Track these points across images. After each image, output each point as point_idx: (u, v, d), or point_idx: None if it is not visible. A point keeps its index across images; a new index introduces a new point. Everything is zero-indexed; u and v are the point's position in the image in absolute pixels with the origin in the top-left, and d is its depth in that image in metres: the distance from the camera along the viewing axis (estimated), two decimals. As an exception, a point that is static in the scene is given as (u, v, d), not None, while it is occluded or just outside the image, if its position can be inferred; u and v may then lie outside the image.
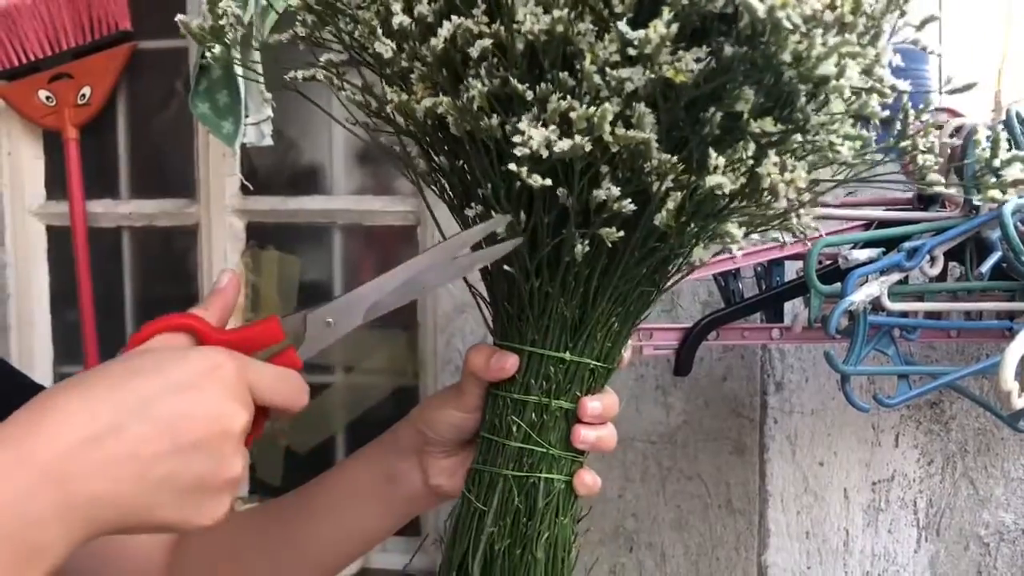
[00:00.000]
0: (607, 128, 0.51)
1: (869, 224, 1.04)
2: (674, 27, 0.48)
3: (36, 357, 1.73)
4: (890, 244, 0.98)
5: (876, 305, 0.94)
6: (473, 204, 0.59)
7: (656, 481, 1.38)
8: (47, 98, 1.64)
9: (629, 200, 0.54)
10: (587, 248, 0.57)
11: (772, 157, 0.54)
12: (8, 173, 1.70)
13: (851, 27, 0.51)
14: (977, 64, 1.34)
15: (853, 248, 0.96)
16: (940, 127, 0.96)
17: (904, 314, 0.97)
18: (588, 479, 0.63)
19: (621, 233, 0.55)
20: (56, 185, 1.72)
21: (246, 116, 1.33)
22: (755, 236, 0.63)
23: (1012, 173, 0.65)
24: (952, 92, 0.62)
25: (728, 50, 0.50)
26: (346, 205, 1.63)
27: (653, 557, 1.39)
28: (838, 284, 0.94)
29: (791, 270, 1.12)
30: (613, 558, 1.40)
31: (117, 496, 0.45)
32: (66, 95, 1.64)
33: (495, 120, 0.54)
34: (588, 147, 0.51)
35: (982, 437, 1.30)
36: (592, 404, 0.61)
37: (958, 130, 1.01)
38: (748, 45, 0.50)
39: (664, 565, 1.39)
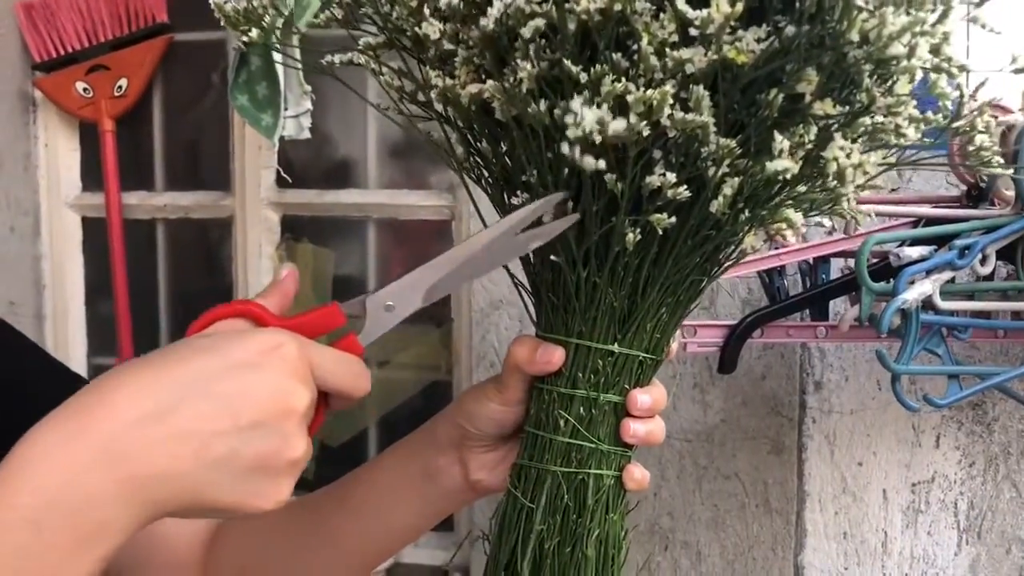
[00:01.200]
0: (666, 112, 0.49)
1: (916, 221, 1.02)
2: (739, 6, 0.47)
3: (71, 348, 1.74)
4: (939, 242, 0.97)
5: (926, 304, 0.93)
6: (518, 192, 0.57)
7: (692, 479, 1.37)
8: (84, 90, 1.65)
9: (684, 187, 0.52)
10: (638, 236, 0.55)
11: (839, 141, 0.53)
12: (45, 164, 1.71)
13: (920, 3, 0.49)
14: (1006, 61, 1.32)
15: (903, 245, 0.94)
16: (997, 107, 0.94)
17: (952, 313, 0.96)
18: (637, 474, 0.61)
19: (673, 220, 0.54)
20: (92, 177, 1.73)
21: (285, 109, 1.33)
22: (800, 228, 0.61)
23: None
24: (1019, 71, 0.60)
25: (790, 29, 0.48)
26: (380, 199, 1.62)
27: (688, 556, 1.38)
28: (888, 282, 0.92)
29: (836, 267, 1.10)
30: (648, 556, 1.39)
31: (176, 474, 0.44)
32: (103, 87, 1.65)
33: (544, 105, 0.52)
34: (646, 131, 0.49)
35: (1025, 439, 1.28)
36: (642, 397, 0.60)
37: (1009, 129, 0.99)
38: (811, 24, 0.48)
39: (699, 564, 1.38)
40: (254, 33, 0.60)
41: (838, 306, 1.14)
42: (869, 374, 1.30)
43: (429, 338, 1.63)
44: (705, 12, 0.47)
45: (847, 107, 0.53)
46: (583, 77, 0.50)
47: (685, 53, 0.48)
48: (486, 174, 0.61)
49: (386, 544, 0.71)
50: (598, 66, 0.50)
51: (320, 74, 0.62)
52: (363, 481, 0.70)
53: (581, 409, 0.59)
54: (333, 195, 1.63)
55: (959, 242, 0.94)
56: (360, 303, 0.55)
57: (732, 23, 0.47)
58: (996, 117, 1.03)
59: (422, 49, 0.56)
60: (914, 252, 0.92)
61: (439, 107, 0.58)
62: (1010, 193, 1.00)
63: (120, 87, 1.65)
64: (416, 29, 0.55)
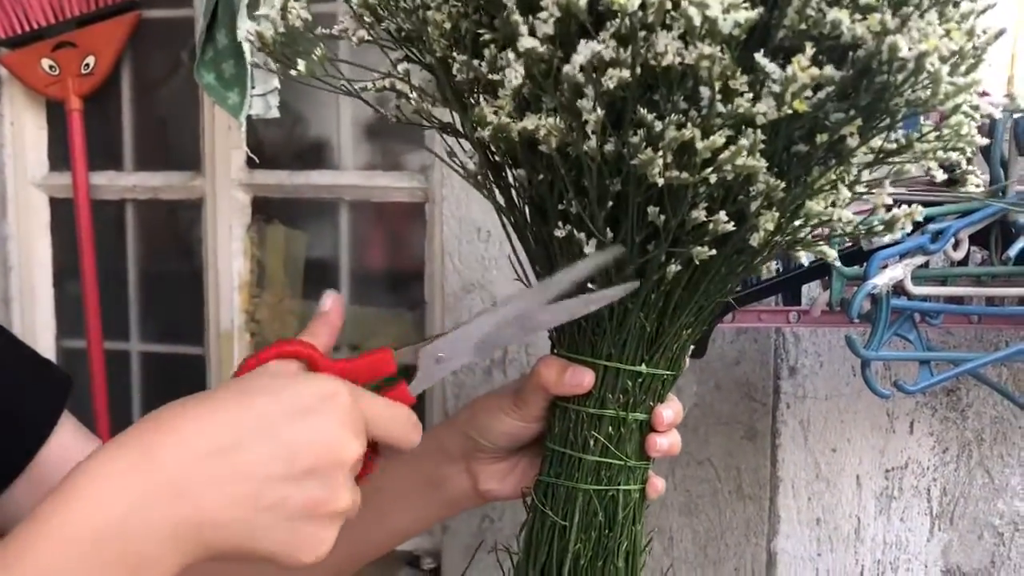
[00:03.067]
0: (737, 159, 0.49)
1: (890, 205, 1.01)
2: (828, 69, 0.47)
3: (38, 330, 1.71)
4: (913, 226, 0.95)
5: (898, 289, 0.92)
6: (560, 224, 0.57)
7: (665, 465, 1.36)
8: (50, 67, 1.62)
9: (730, 222, 0.53)
10: (678, 267, 0.56)
11: (887, 188, 0.56)
12: (11, 143, 1.68)
13: (968, 60, 0.51)
14: (991, 49, 1.31)
15: (876, 230, 0.93)
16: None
17: (925, 298, 0.95)
18: (659, 484, 0.64)
19: (713, 252, 0.55)
20: (59, 156, 1.70)
21: (252, 87, 1.31)
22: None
23: None
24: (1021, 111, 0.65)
25: (852, 82, 0.49)
26: (354, 180, 1.60)
27: (661, 541, 1.37)
28: (860, 267, 0.91)
29: (809, 252, 1.09)
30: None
31: (229, 515, 0.44)
32: (70, 64, 1.62)
33: (611, 146, 0.52)
34: (713, 178, 0.50)
35: (999, 426, 1.27)
36: (666, 413, 0.62)
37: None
38: (864, 76, 0.49)
39: (672, 550, 1.37)
40: (301, 66, 0.60)
41: (813, 291, 1.13)
42: (844, 360, 1.29)
43: (402, 321, 1.61)
44: (789, 71, 0.47)
45: (878, 145, 0.56)
46: (658, 126, 0.50)
47: (761, 107, 0.49)
48: (517, 202, 0.61)
49: (383, 544, 0.72)
50: (673, 115, 0.50)
51: (346, 95, 0.62)
52: (367, 487, 0.70)
53: (610, 428, 0.61)
54: (305, 176, 1.60)
55: (932, 226, 0.93)
56: (413, 352, 0.55)
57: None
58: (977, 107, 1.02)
59: (473, 83, 0.56)
60: (885, 236, 0.90)
61: (481, 136, 0.57)
62: (984, 177, 0.99)
63: (87, 65, 1.62)
64: (489, 73, 0.54)
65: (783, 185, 0.52)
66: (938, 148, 0.56)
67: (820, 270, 1.01)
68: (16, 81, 1.65)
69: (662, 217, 0.53)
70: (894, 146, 0.55)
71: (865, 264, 0.90)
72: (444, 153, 0.64)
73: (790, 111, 0.48)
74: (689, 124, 0.49)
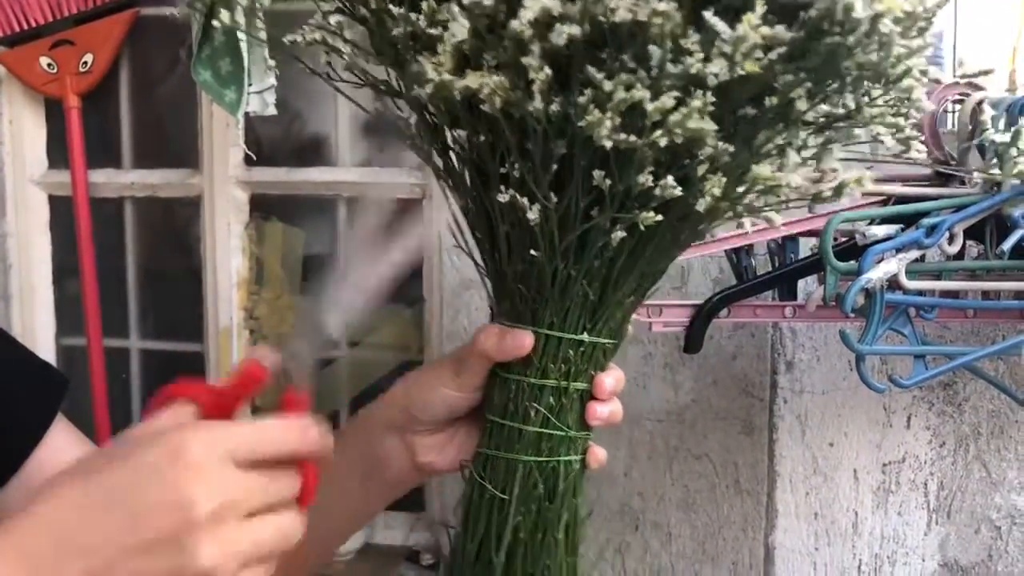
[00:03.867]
0: (687, 122, 0.48)
1: (886, 200, 1.01)
2: (779, 28, 0.46)
3: (38, 328, 1.72)
4: (908, 221, 0.96)
5: (893, 283, 0.92)
6: (503, 188, 0.55)
7: (663, 460, 1.36)
8: (48, 65, 1.62)
9: (679, 187, 0.52)
10: (623, 233, 0.55)
11: (837, 152, 0.55)
12: (9, 141, 1.68)
13: (918, 23, 0.50)
14: (992, 42, 1.31)
15: (870, 224, 0.93)
16: (969, 84, 0.93)
17: (920, 293, 0.95)
18: (601, 454, 0.62)
19: (660, 217, 0.54)
20: (58, 154, 1.70)
21: (249, 84, 1.31)
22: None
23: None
24: (964, 77, 0.63)
25: (803, 43, 0.48)
26: (351, 177, 1.60)
27: (659, 536, 1.38)
28: (854, 262, 0.91)
29: (805, 247, 1.09)
30: (619, 537, 1.38)
31: None
32: (68, 62, 1.62)
33: (557, 107, 0.50)
34: (663, 141, 0.49)
35: (996, 419, 1.28)
36: (607, 381, 0.61)
37: (979, 106, 0.98)
38: (816, 37, 0.48)
39: (670, 544, 1.38)
40: (224, 16, 0.58)
41: (810, 285, 1.13)
42: (840, 354, 1.29)
43: (401, 318, 1.61)
44: (739, 30, 0.46)
45: (827, 110, 0.54)
46: (607, 85, 0.49)
47: (713, 67, 0.48)
48: (457, 166, 0.59)
49: (338, 531, 0.70)
50: (623, 75, 0.49)
51: (285, 54, 0.60)
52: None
53: (551, 398, 0.59)
54: (303, 173, 1.61)
55: (927, 221, 0.93)
56: (274, 358, 0.53)
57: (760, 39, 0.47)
58: (968, 95, 1.02)
59: (413, 38, 0.54)
60: (880, 231, 0.91)
61: (420, 94, 0.55)
62: (974, 173, 0.99)
63: (85, 63, 1.62)
64: (429, 28, 0.52)
65: (731, 149, 0.51)
66: (887, 113, 0.55)
67: (815, 265, 1.02)
68: (14, 79, 1.65)
69: (608, 182, 0.52)
70: (842, 111, 0.54)
71: (859, 259, 0.90)
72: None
73: (742, 72, 0.47)
74: (638, 85, 0.48)
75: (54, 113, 1.69)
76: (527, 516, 0.59)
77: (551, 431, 0.59)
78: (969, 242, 0.99)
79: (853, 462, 1.32)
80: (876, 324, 0.89)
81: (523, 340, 0.58)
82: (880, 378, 1.14)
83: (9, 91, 1.67)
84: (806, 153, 0.55)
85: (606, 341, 0.60)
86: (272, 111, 1.37)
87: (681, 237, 0.58)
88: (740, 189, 0.55)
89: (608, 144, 0.49)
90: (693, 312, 0.99)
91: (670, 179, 0.52)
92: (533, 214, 0.54)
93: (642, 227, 0.54)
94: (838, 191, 0.54)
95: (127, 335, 1.76)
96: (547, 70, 0.49)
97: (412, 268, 1.54)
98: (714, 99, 0.48)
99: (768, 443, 1.33)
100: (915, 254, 0.93)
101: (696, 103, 0.48)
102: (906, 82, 0.50)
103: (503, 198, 0.55)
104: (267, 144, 1.64)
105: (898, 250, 0.92)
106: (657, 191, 0.52)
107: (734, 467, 1.34)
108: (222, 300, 1.62)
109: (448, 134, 0.58)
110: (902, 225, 0.94)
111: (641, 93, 0.48)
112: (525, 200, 0.54)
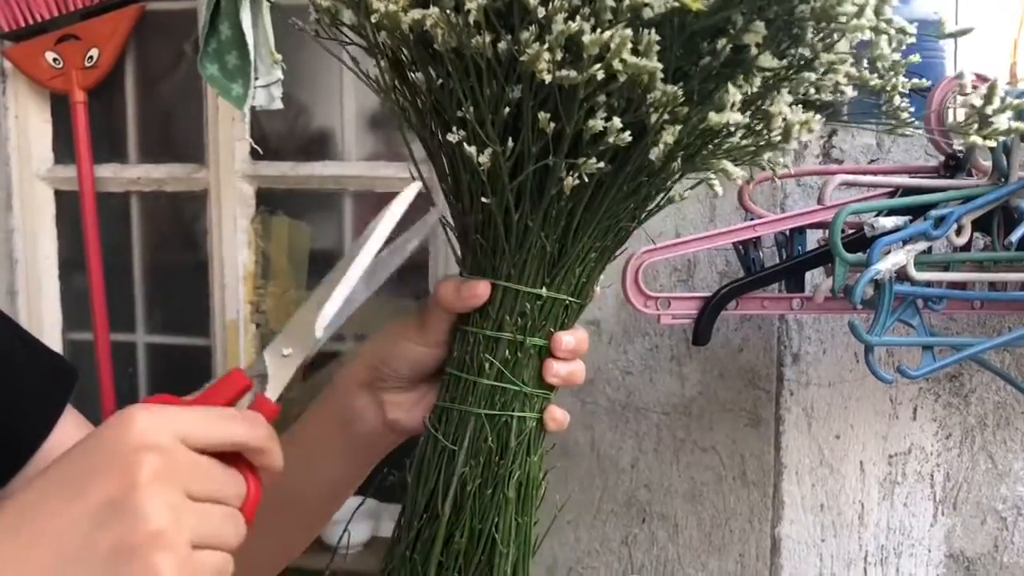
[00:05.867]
0: (622, 57, 0.48)
1: (893, 192, 1.01)
2: None
3: (45, 323, 1.72)
4: (915, 212, 0.96)
5: (901, 274, 0.92)
6: (454, 128, 0.55)
7: (670, 452, 1.37)
8: (54, 60, 1.62)
9: (628, 132, 0.51)
10: (576, 181, 0.54)
11: (785, 96, 0.53)
12: (15, 136, 1.68)
13: None
14: (993, 36, 1.31)
15: (879, 216, 0.93)
16: (978, 76, 0.93)
17: (928, 284, 0.95)
18: (558, 414, 0.61)
19: (602, 165, 0.53)
20: (64, 149, 1.70)
21: (256, 78, 1.31)
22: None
23: (1001, 122, 0.63)
24: (946, 36, 0.61)
25: None
26: (357, 171, 1.60)
27: (666, 528, 1.38)
28: (863, 253, 0.91)
29: (812, 239, 1.09)
30: (626, 529, 1.39)
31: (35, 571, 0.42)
32: (73, 57, 1.62)
33: (488, 38, 0.50)
34: (600, 75, 0.48)
35: (1002, 411, 1.28)
36: (566, 338, 0.60)
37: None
38: None
39: (677, 536, 1.38)
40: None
41: (817, 278, 1.13)
42: (847, 346, 1.30)
43: (407, 311, 1.61)
44: None
45: (786, 60, 0.53)
46: (541, 12, 0.49)
47: None
48: (418, 104, 0.59)
49: (321, 499, 0.69)
50: (553, 3, 0.48)
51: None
52: (287, 442, 0.69)
53: (507, 352, 0.59)
54: (309, 167, 1.61)
55: (934, 212, 0.93)
56: (261, 360, 0.53)
57: None
58: (976, 87, 1.02)
59: None
60: (888, 222, 0.91)
61: (370, 32, 0.56)
62: (987, 163, 0.99)
63: (91, 57, 1.62)
64: None
65: (679, 92, 0.50)
66: (848, 61, 0.54)
67: (823, 257, 1.02)
68: (20, 74, 1.65)
69: (553, 125, 0.52)
70: (800, 60, 0.53)
71: (868, 250, 0.90)
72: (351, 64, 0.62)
73: (675, 3, 0.46)
74: (578, 18, 0.48)
75: (60, 108, 1.69)
76: (474, 469, 0.59)
77: (505, 384, 0.59)
78: (976, 233, 0.99)
79: (859, 454, 1.32)
80: (885, 315, 0.89)
81: (477, 290, 0.58)
82: (886, 369, 1.15)
83: (15, 86, 1.67)
84: (752, 93, 0.53)
85: (566, 297, 0.59)
86: (278, 105, 1.38)
87: (641, 191, 0.57)
88: (694, 138, 0.54)
89: (547, 79, 0.49)
90: (701, 304, 0.99)
91: (616, 122, 0.51)
92: (484, 158, 0.54)
93: (585, 176, 0.54)
94: (785, 135, 0.53)
95: (134, 329, 1.76)
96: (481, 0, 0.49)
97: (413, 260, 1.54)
98: (659, 36, 0.48)
99: (774, 435, 1.33)
100: (923, 245, 0.93)
101: (627, 32, 0.47)
102: (855, 22, 0.48)
103: (453, 138, 0.55)
104: (273, 138, 1.64)
105: (906, 241, 0.93)
106: (610, 138, 0.51)
107: (741, 459, 1.35)
108: (228, 294, 1.63)
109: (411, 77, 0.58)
110: (910, 217, 0.94)
111: (578, 25, 0.48)
112: (473, 149, 0.54)
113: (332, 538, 1.42)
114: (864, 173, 1.10)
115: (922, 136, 1.22)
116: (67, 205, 1.71)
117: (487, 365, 0.59)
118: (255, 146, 1.53)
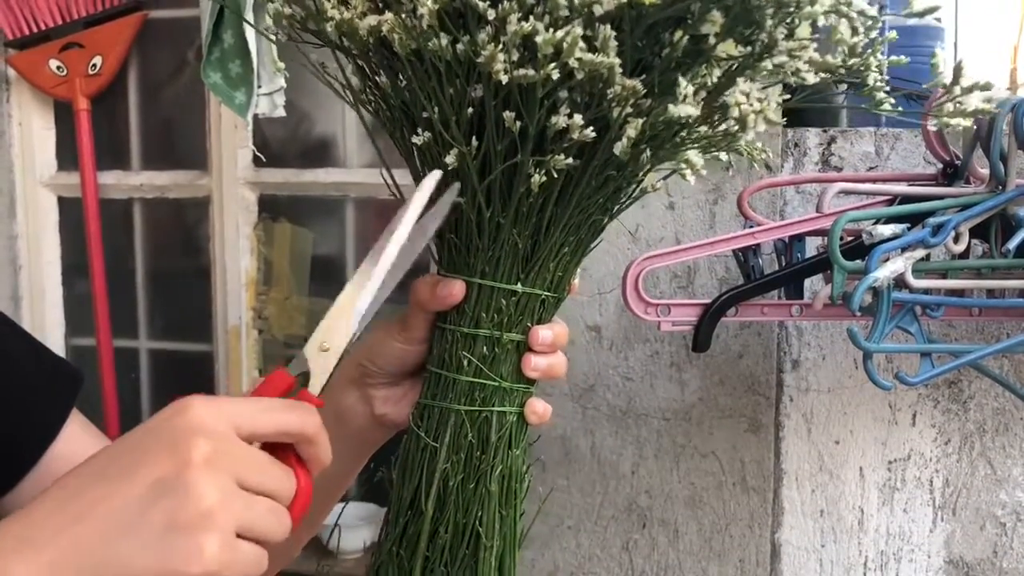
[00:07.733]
0: (576, 54, 0.48)
1: (892, 199, 1.02)
2: None
3: (48, 329, 1.73)
4: (913, 220, 0.96)
5: (899, 282, 0.93)
6: (419, 131, 0.56)
7: (670, 458, 1.37)
8: (58, 68, 1.63)
9: (591, 128, 0.52)
10: (543, 178, 0.55)
11: (741, 85, 0.53)
12: (19, 143, 1.69)
13: None
14: (993, 41, 1.32)
15: (877, 223, 0.94)
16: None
17: (926, 291, 0.96)
18: (539, 407, 0.62)
19: (570, 160, 0.54)
20: (67, 156, 1.71)
21: (259, 86, 1.32)
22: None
23: (972, 102, 0.63)
24: (915, 14, 0.61)
25: None
26: (359, 178, 1.61)
27: (666, 534, 1.39)
28: (861, 260, 0.92)
29: (811, 246, 1.10)
30: (626, 534, 1.39)
31: (81, 554, 0.43)
32: (77, 65, 1.63)
33: (446, 40, 0.51)
34: (556, 74, 0.49)
35: (1000, 417, 1.29)
36: (544, 332, 0.61)
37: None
38: None
39: (677, 542, 1.38)
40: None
41: (816, 284, 1.14)
42: (846, 353, 1.30)
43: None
44: None
45: (749, 48, 0.53)
46: (491, 14, 0.49)
47: None
48: (384, 108, 0.59)
49: (317, 496, 0.70)
50: (505, 3, 0.49)
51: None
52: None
53: (484, 348, 0.60)
54: (311, 174, 1.62)
55: (933, 220, 0.94)
56: (301, 358, 0.54)
57: None
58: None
59: None
60: (887, 230, 0.91)
61: (335, 37, 0.56)
62: (984, 171, 1.00)
63: (95, 65, 1.63)
64: None
65: (638, 86, 0.50)
66: (808, 46, 0.53)
67: (822, 264, 1.03)
68: (24, 82, 1.66)
69: (518, 123, 0.52)
70: (758, 48, 0.53)
71: (866, 258, 0.91)
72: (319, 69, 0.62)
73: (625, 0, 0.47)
74: (531, 18, 0.48)
75: (63, 115, 1.70)
76: (456, 464, 0.59)
77: (484, 381, 0.60)
78: (974, 241, 1.00)
79: (859, 460, 1.33)
80: (883, 322, 0.90)
81: (451, 289, 0.59)
82: (885, 376, 1.15)
83: (19, 93, 1.68)
84: (713, 83, 0.53)
85: (542, 292, 0.60)
86: (281, 112, 1.38)
87: (610, 184, 0.58)
88: (657, 130, 0.54)
89: (504, 79, 0.49)
90: (701, 311, 1.00)
91: (578, 118, 0.51)
92: (451, 158, 0.55)
93: (554, 172, 0.54)
94: (742, 124, 0.53)
95: (136, 335, 1.77)
96: (432, 3, 0.49)
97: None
98: (619, 31, 0.48)
99: (774, 441, 1.34)
100: (921, 253, 0.93)
101: (578, 30, 0.48)
102: (809, 9, 0.48)
103: (418, 140, 0.56)
104: (275, 145, 1.65)
105: (904, 249, 0.93)
106: (573, 134, 0.52)
107: (741, 465, 1.35)
108: (231, 300, 1.63)
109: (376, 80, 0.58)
110: (908, 224, 0.95)
111: (531, 25, 0.48)
112: (437, 149, 0.55)
113: (334, 542, 1.42)
114: (863, 181, 1.11)
115: (919, 143, 1.23)
116: (70, 211, 1.72)
117: (465, 362, 0.60)
118: (257, 153, 1.54)
